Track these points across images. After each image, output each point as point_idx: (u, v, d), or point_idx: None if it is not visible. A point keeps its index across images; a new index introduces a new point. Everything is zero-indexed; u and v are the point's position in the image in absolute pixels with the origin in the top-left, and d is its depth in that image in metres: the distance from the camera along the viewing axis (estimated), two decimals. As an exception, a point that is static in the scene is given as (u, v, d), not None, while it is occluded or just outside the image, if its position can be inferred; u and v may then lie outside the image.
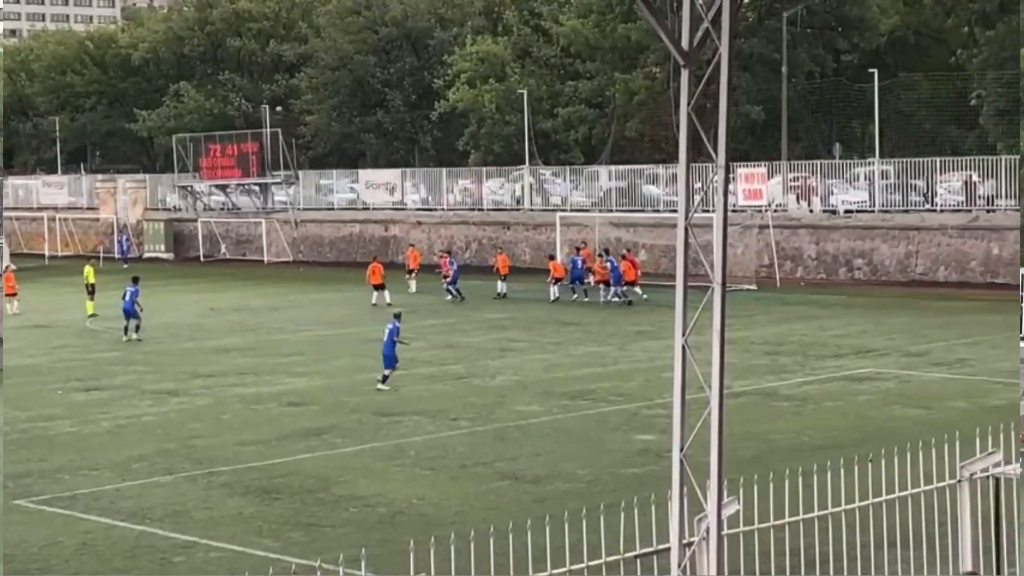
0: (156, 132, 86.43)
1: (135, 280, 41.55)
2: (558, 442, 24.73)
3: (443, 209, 68.77)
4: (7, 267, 50.66)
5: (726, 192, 9.76)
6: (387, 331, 31.26)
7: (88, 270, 48.96)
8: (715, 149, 9.41)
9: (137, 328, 40.15)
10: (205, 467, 23.19)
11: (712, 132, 10.06)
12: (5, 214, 77.47)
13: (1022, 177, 48.44)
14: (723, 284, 9.52)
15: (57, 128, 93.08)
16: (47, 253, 77.04)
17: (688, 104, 9.50)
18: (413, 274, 53.32)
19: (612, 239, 56.95)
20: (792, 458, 20.05)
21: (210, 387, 31.71)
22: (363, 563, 9.14)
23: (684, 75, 9.62)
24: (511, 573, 10.32)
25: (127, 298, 40.36)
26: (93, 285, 47.63)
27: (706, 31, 9.46)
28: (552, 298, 49.24)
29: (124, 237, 68.97)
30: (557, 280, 49.95)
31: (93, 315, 46.08)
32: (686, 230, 9.76)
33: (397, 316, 32.39)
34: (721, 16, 9.36)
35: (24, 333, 42.58)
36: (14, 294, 47.55)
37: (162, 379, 33.09)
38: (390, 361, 30.81)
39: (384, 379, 30.70)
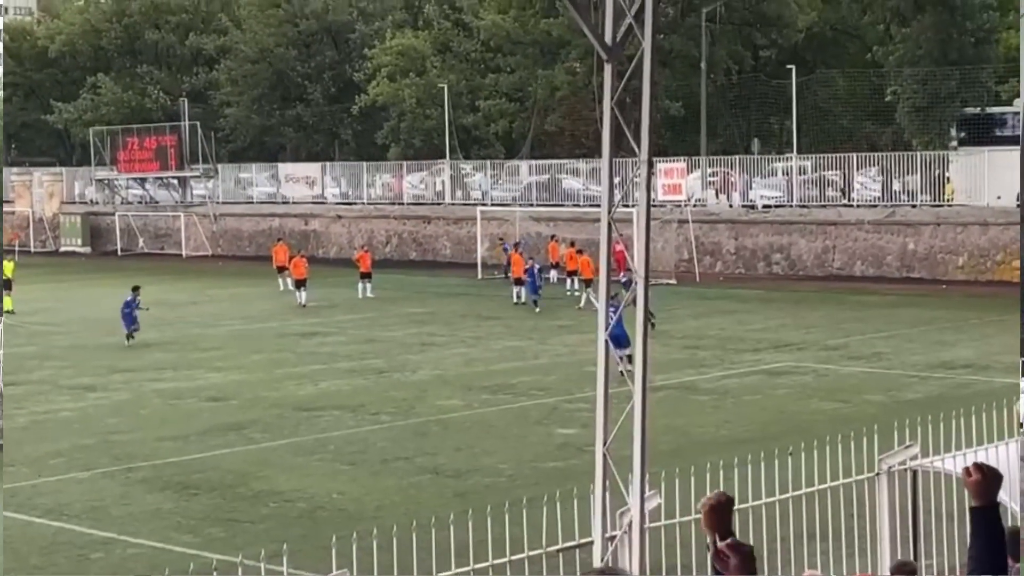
0: (73, 124, 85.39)
1: (135, 289, 39.26)
2: (479, 436, 24.76)
3: (363, 203, 68.56)
4: None
5: (649, 186, 9.82)
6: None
7: (7, 264, 48.20)
8: (638, 143, 9.46)
9: (129, 337, 37.91)
10: (123, 463, 22.99)
11: (633, 127, 10.13)
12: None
13: None
14: (646, 277, 9.59)
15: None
16: (-40, 246, 75.94)
17: (611, 99, 9.55)
18: (368, 278, 49.87)
19: (532, 233, 57.05)
20: (712, 451, 20.21)
21: (128, 382, 31.43)
22: (284, 559, 9.09)
23: (607, 69, 9.66)
24: (434, 568, 10.32)
25: (127, 308, 38.18)
26: (9, 280, 46.95)
27: (629, 26, 9.51)
28: (516, 300, 45.86)
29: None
30: (519, 281, 46.02)
31: (10, 311, 45.49)
32: (609, 225, 9.81)
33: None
34: (644, 11, 9.41)
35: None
36: None
37: (80, 374, 32.75)
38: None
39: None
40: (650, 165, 9.79)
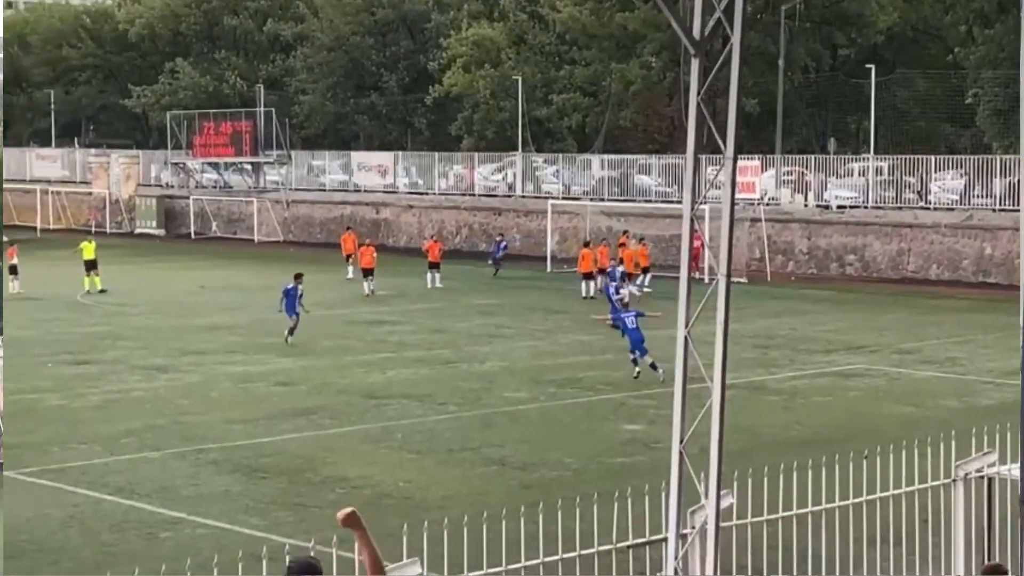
0: (150, 108, 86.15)
1: (298, 277, 36.34)
2: (545, 429, 24.73)
3: (434, 193, 68.67)
4: (12, 242, 50.45)
5: (734, 184, 9.75)
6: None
7: (86, 245, 48.67)
8: (722, 139, 9.39)
9: (291, 332, 35.06)
10: (194, 444, 23.17)
11: (715, 123, 10.04)
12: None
13: None
14: (728, 276, 9.52)
15: (52, 101, 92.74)
16: (39, 226, 76.82)
17: (697, 94, 9.47)
18: (437, 268, 49.99)
19: (603, 228, 56.92)
20: (781, 452, 20.03)
21: (199, 364, 31.66)
22: (356, 546, 9.09)
23: (694, 65, 9.59)
24: (503, 560, 10.29)
25: (288, 297, 35.65)
26: (93, 261, 47.35)
27: (717, 21, 9.44)
28: (585, 294, 45.77)
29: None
30: (587, 275, 46.26)
31: (102, 291, 45.91)
32: (692, 221, 9.74)
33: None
34: (733, 6, 9.33)
35: (16, 305, 42.45)
36: (14, 269, 47.15)
37: (152, 355, 33.02)
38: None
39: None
40: (736, 162, 9.72)
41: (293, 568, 7.68)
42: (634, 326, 29.78)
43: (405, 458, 22.44)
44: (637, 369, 29.43)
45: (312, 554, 7.78)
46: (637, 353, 29.64)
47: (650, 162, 63.08)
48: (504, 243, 56.66)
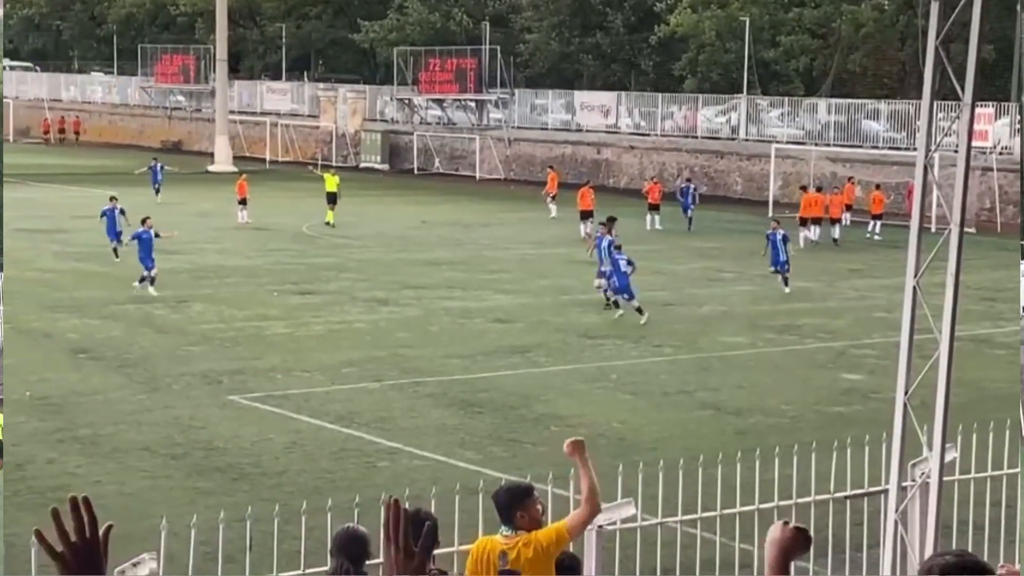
0: (378, 43, 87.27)
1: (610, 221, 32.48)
2: (762, 375, 24.49)
3: (656, 135, 68.25)
4: (242, 174, 51.86)
5: (971, 132, 9.44)
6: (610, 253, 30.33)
7: (329, 178, 49.72)
8: (960, 85, 9.09)
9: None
10: (412, 376, 23.57)
11: (954, 68, 9.73)
12: (230, 117, 79.38)
13: None
14: (961, 226, 9.24)
15: (283, 35, 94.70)
16: (268, 158, 78.79)
17: (936, 38, 9.18)
18: (656, 210, 49.72)
19: (827, 174, 55.89)
20: (1006, 407, 19.43)
21: (419, 298, 32.14)
22: (571, 483, 9.15)
23: (933, 8, 9.28)
24: (717, 504, 10.24)
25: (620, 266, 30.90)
26: (334, 194, 48.32)
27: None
28: (802, 243, 44.17)
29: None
30: (814, 220, 45.47)
31: (328, 223, 46.86)
32: (925, 168, 9.47)
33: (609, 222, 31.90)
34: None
35: (243, 235, 43.72)
36: (244, 201, 48.45)
37: (373, 288, 33.65)
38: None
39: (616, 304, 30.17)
40: (973, 109, 9.41)
41: (340, 537, 7.61)
42: (625, 270, 29.50)
43: (620, 398, 22.48)
44: (612, 306, 29.85)
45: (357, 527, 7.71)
46: (625, 296, 29.62)
47: (879, 107, 61.62)
48: (692, 187, 51.49)
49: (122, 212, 37.13)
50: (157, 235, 32.10)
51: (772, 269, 34.18)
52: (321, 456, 18.59)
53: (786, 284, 33.84)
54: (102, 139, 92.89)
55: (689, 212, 49.53)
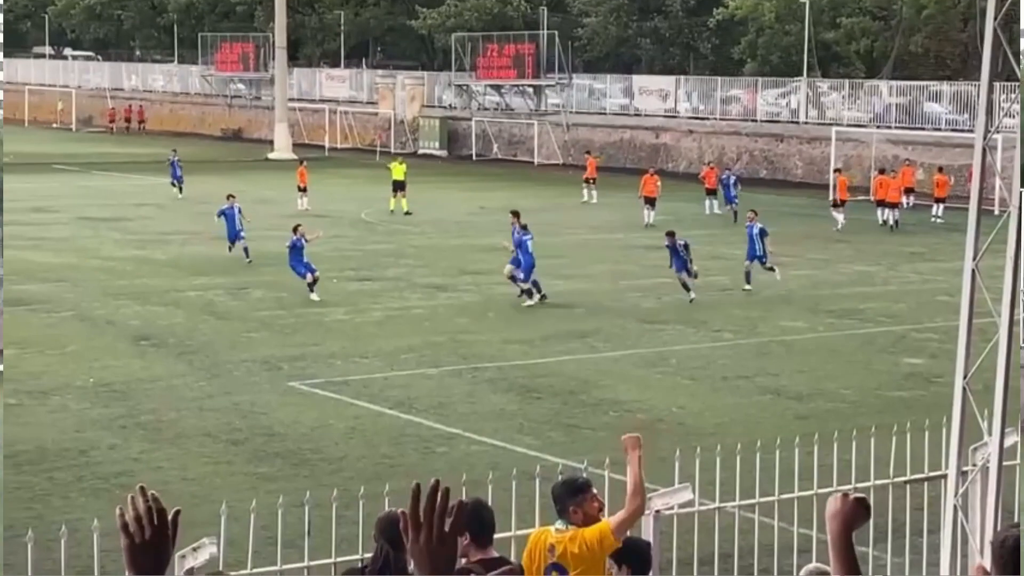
0: (436, 30, 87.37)
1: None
2: (822, 360, 24.37)
3: (715, 119, 67.94)
4: (301, 161, 51.97)
5: (1030, 111, 9.33)
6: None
7: (396, 166, 49.86)
8: (1019, 66, 8.98)
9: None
10: (470, 362, 23.62)
11: (1011, 50, 9.62)
12: (289, 105, 79.72)
13: None
14: (1020, 208, 9.14)
15: (342, 22, 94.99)
16: (327, 145, 79.10)
17: (994, 18, 9.08)
18: (714, 195, 49.51)
19: (889, 156, 55.44)
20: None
21: (477, 284, 32.19)
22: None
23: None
24: (776, 489, 10.21)
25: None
26: (402, 182, 48.38)
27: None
28: (882, 223, 44.78)
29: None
30: (889, 204, 45.24)
31: (407, 213, 46.76)
32: (984, 150, 9.37)
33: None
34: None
35: (303, 222, 43.85)
36: (304, 188, 48.65)
37: (431, 274, 33.73)
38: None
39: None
40: (1032, 88, 9.29)
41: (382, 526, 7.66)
42: (531, 251, 29.55)
43: (679, 383, 22.45)
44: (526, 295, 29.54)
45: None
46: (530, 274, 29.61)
47: (941, 89, 61.04)
48: (733, 177, 49.29)
49: (239, 211, 35.52)
50: (306, 240, 30.33)
51: (747, 262, 31.79)
52: (380, 442, 18.67)
53: (774, 270, 31.86)
54: (163, 127, 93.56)
55: (734, 204, 47.05)
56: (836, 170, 49.43)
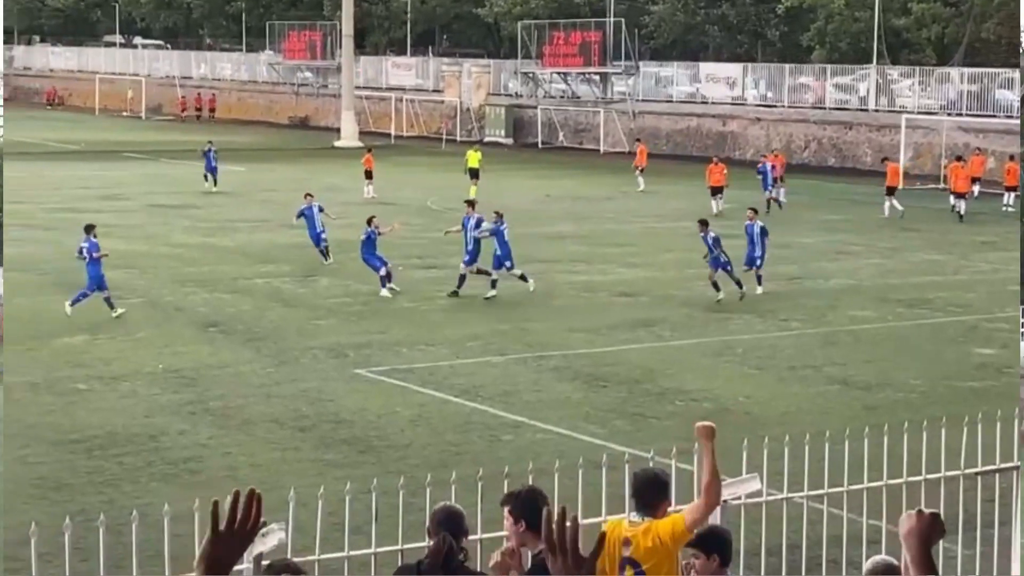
0: (502, 18, 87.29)
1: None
2: (891, 350, 24.16)
3: (783, 106, 67.48)
4: (368, 149, 52.09)
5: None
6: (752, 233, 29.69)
7: (472, 154, 49.89)
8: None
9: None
10: (535, 351, 23.61)
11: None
12: (356, 93, 79.96)
13: None
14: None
15: (408, 10, 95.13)
16: (393, 132, 79.29)
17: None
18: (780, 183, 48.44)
19: (960, 144, 54.86)
20: None
21: (543, 272, 32.12)
22: (695, 458, 9.10)
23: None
24: (845, 480, 10.11)
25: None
26: (476, 170, 48.45)
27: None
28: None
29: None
30: (958, 195, 44.50)
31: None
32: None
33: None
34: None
35: (370, 209, 43.96)
36: (370, 176, 48.77)
37: (497, 261, 33.66)
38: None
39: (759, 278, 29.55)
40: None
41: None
42: (507, 240, 29.03)
43: (746, 373, 22.33)
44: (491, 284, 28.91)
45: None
46: (507, 265, 29.10)
47: (1013, 76, 60.29)
48: (770, 164, 47.40)
49: (321, 209, 34.03)
50: (379, 232, 30.07)
51: (745, 268, 29.53)
52: (446, 429, 18.70)
53: (759, 283, 29.48)
54: (231, 116, 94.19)
55: (770, 191, 45.67)
56: (884, 159, 49.07)
